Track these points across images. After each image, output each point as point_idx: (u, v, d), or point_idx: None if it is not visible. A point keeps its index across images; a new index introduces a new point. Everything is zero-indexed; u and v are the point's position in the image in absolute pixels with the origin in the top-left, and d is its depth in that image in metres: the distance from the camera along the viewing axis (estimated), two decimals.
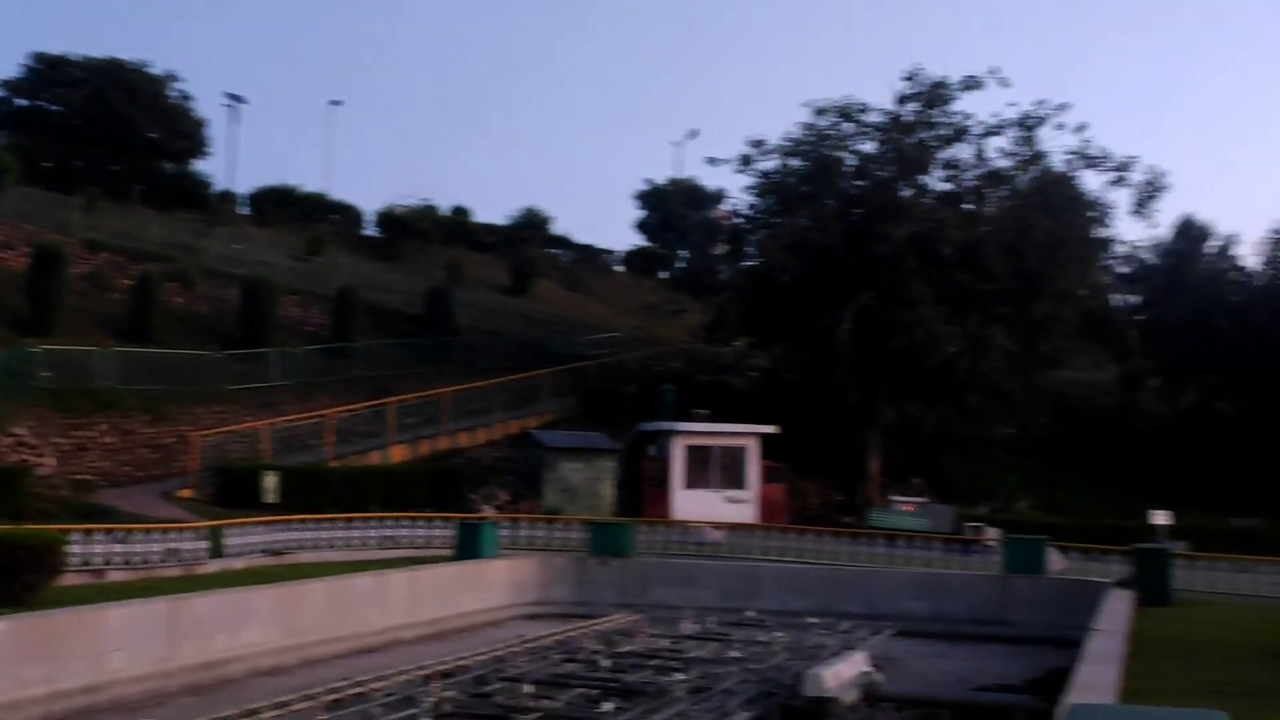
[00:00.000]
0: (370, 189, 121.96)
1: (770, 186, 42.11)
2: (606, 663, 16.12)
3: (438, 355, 44.11)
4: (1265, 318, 39.78)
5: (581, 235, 68.58)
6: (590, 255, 66.59)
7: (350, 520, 29.13)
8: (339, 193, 61.97)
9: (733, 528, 32.80)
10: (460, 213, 63.49)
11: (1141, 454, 40.96)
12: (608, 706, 13.09)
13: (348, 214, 59.87)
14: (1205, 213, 68.59)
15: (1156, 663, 15.37)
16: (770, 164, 41.84)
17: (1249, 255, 43.26)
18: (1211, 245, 46.35)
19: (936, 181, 41.34)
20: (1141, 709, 8.76)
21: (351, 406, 37.90)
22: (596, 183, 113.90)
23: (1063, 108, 40.05)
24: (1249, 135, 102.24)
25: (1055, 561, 27.31)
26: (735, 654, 17.29)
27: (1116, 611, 19.83)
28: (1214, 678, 14.45)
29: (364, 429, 37.70)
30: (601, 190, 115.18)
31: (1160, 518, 30.42)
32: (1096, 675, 13.21)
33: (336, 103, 65.96)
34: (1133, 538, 27.42)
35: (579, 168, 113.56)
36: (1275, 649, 17.79)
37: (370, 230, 59.34)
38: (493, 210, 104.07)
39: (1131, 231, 76.09)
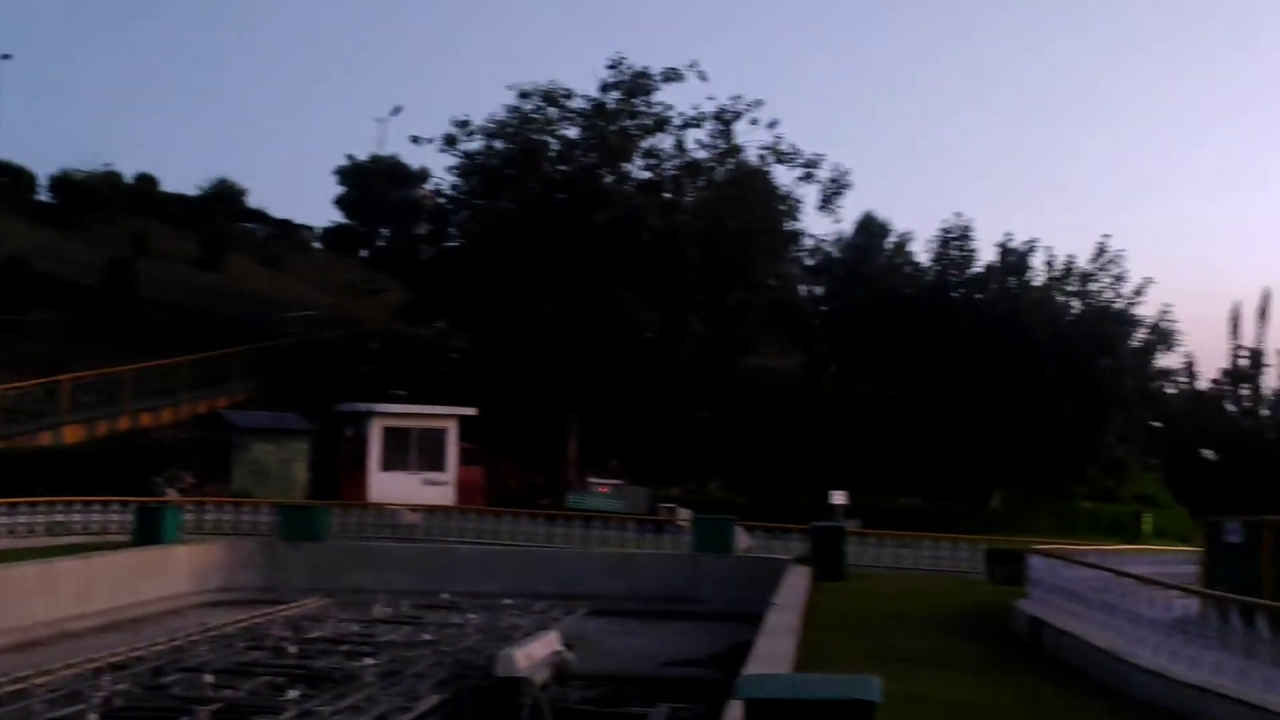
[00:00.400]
0: (44, 151, 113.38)
1: (474, 168, 41.95)
2: (294, 649, 15.74)
3: (119, 330, 41.60)
4: (932, 312, 42.61)
5: (278, 209, 66.26)
6: (287, 230, 64.34)
7: (14, 505, 27.17)
8: (7, 153, 57.08)
9: (430, 510, 32.60)
10: (146, 180, 59.99)
11: (822, 437, 43.22)
12: (293, 694, 12.78)
13: (18, 177, 55.39)
14: (884, 210, 72.69)
15: (828, 633, 16.35)
16: (475, 145, 41.72)
17: (921, 252, 46.22)
18: (889, 241, 49.23)
19: (638, 170, 42.23)
20: (805, 676, 9.31)
21: (19, 384, 35.27)
22: (295, 156, 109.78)
23: (757, 104, 41.73)
24: (924, 138, 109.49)
25: (742, 540, 28.52)
26: (428, 637, 17.22)
27: (795, 587, 20.96)
28: (877, 646, 15.49)
29: (33, 408, 35.17)
30: (300, 164, 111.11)
31: (838, 497, 32.10)
32: (773, 647, 13.94)
33: (5, 56, 60.75)
34: (813, 516, 28.85)
35: (276, 139, 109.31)
36: (930, 619, 19.23)
37: (44, 195, 55.21)
38: (182, 179, 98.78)
39: (818, 226, 79.97)
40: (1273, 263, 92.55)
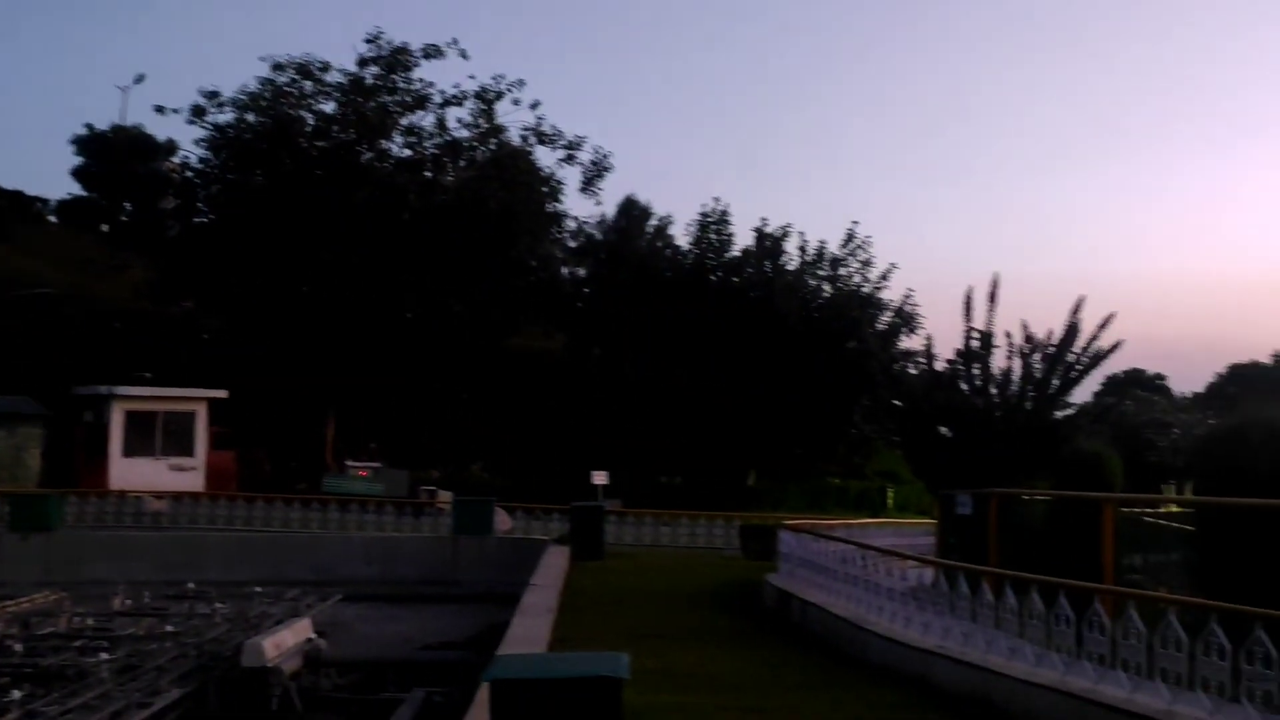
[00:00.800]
0: None
1: (225, 141, 40.32)
2: (19, 647, 14.84)
3: None
4: (691, 295, 43.46)
5: (7, 180, 62.06)
6: (19, 203, 60.35)
7: None
8: None
9: (177, 497, 31.33)
10: None
11: (584, 418, 43.58)
12: (16, 694, 12.03)
13: None
14: (645, 193, 73.82)
15: (585, 612, 16.50)
16: (225, 117, 40.12)
17: (681, 236, 47.02)
18: (650, 225, 49.89)
19: (398, 148, 41.45)
20: (553, 655, 9.38)
21: None
22: (26, 123, 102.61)
23: (519, 84, 41.53)
24: (684, 122, 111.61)
25: (503, 521, 28.51)
26: (171, 629, 16.56)
27: (553, 567, 21.10)
28: (632, 623, 15.73)
29: None
30: (32, 132, 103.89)
31: (599, 477, 32.44)
32: (529, 627, 13.99)
33: None
34: (575, 497, 29.02)
35: (4, 104, 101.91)
36: (685, 595, 19.65)
37: None
38: None
39: (580, 208, 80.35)
40: (1003, 249, 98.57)
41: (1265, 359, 59.66)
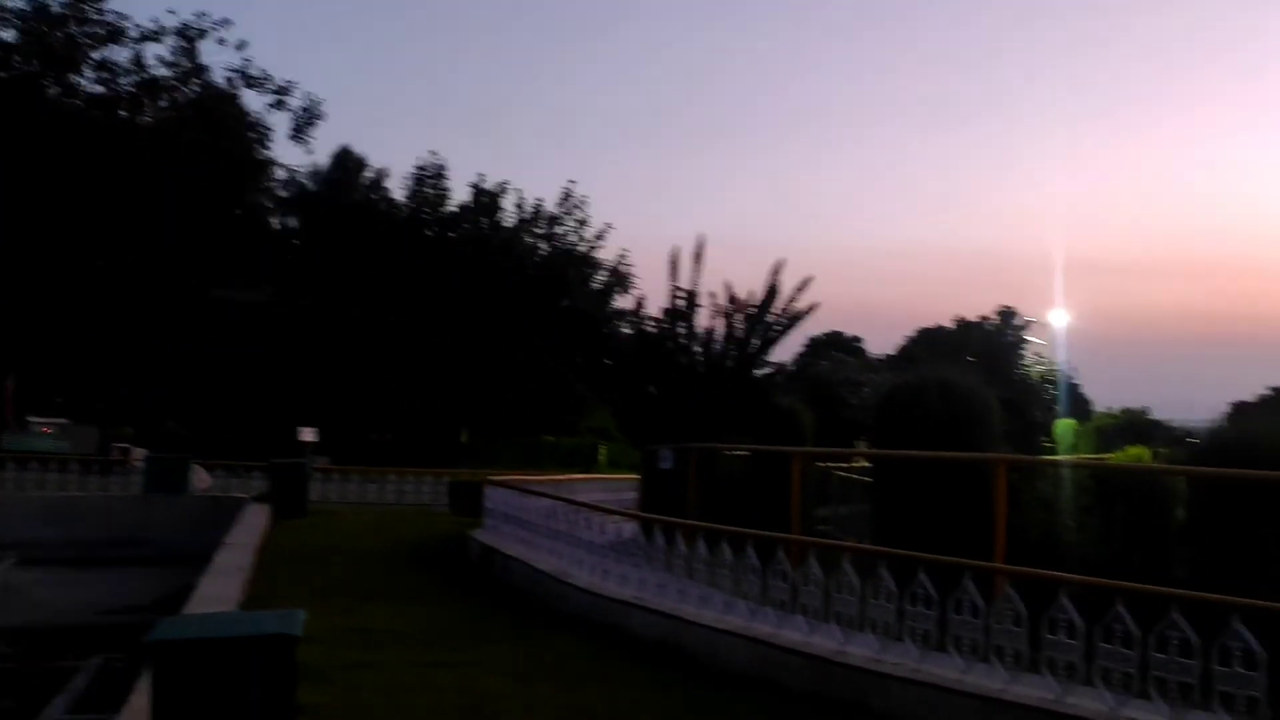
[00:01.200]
0: None
1: None
2: None
3: None
4: (406, 249, 42.74)
5: None
6: None
7: None
8: None
9: None
10: None
11: (292, 373, 42.19)
12: None
13: None
14: (361, 145, 71.54)
15: (281, 571, 16.01)
16: None
17: (397, 189, 46.15)
18: (366, 176, 48.71)
19: (89, 83, 38.79)
20: (225, 615, 9.01)
21: None
22: None
23: (225, 23, 39.59)
24: (401, 73, 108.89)
25: (201, 479, 27.28)
26: None
27: (250, 525, 20.37)
28: (329, 581, 15.38)
29: None
30: None
31: (307, 434, 31.58)
32: (218, 588, 13.42)
33: None
34: (283, 454, 28.13)
35: None
36: (389, 552, 19.37)
37: None
38: None
39: (291, 156, 77.62)
40: (714, 212, 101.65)
41: (949, 323, 63.73)
